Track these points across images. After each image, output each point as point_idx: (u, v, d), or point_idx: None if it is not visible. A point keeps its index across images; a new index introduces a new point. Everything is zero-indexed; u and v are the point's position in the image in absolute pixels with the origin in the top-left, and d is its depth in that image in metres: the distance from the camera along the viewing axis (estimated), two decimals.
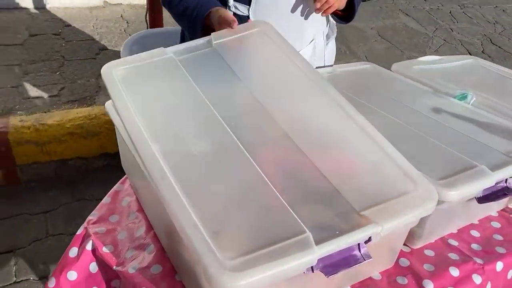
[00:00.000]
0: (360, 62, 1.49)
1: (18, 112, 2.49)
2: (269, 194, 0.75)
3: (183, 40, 1.58)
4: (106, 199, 1.03)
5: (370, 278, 0.84)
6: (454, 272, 0.86)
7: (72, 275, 0.90)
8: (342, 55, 3.71)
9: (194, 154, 0.81)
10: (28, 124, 2.35)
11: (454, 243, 0.95)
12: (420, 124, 1.08)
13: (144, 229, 0.92)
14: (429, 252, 0.92)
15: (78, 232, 0.94)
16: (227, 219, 0.70)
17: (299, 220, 0.71)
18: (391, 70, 1.42)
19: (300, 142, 0.85)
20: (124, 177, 1.08)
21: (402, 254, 0.90)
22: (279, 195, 0.74)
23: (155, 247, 0.87)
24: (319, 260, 0.67)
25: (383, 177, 0.81)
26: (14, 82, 2.77)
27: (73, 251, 0.92)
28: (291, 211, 0.72)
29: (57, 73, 2.93)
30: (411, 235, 0.91)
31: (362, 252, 0.72)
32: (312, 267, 0.67)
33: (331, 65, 1.52)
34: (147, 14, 2.62)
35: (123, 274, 0.83)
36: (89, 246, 0.90)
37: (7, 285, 1.84)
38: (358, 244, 0.72)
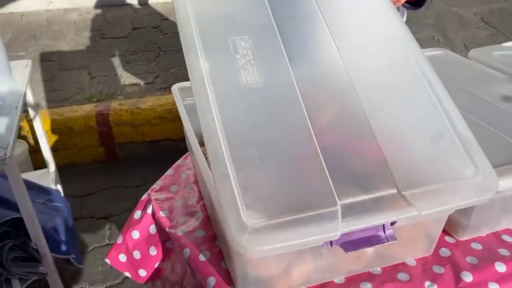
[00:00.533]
0: (432, 48, 1.42)
1: (118, 97, 2.82)
2: (311, 153, 0.70)
3: None
4: (169, 171, 1.15)
5: (403, 263, 0.84)
6: (500, 267, 0.82)
7: (135, 234, 1.04)
8: (434, 43, 3.48)
9: (244, 87, 0.75)
10: (126, 108, 2.65)
11: (509, 239, 0.89)
12: (483, 113, 1.02)
13: (196, 199, 1.02)
14: (476, 246, 0.87)
15: (143, 197, 1.08)
16: (260, 173, 0.67)
17: (334, 191, 0.68)
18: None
19: (364, 98, 0.77)
20: (187, 153, 1.20)
21: (444, 244, 0.87)
22: (321, 157, 0.69)
23: (202, 214, 0.96)
24: (340, 236, 0.69)
25: (442, 154, 0.74)
26: (117, 71, 3.13)
27: (137, 214, 1.06)
28: (329, 178, 0.68)
29: (153, 63, 3.23)
30: (456, 226, 0.88)
31: (386, 234, 0.73)
32: (331, 241, 0.70)
33: None
34: None
35: (173, 236, 0.94)
36: (149, 210, 1.03)
37: (101, 246, 2.13)
38: (383, 224, 0.72)
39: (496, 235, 0.90)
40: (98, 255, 2.07)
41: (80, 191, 2.47)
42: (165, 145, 2.77)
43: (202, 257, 0.85)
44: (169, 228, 0.97)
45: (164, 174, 1.15)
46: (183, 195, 1.06)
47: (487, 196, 0.71)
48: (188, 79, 0.84)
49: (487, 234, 0.90)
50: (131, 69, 3.14)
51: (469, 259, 0.84)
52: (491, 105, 1.05)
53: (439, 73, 1.28)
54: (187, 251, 0.88)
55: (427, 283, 0.79)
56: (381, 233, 0.73)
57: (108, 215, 2.32)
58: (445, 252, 0.86)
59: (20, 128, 2.49)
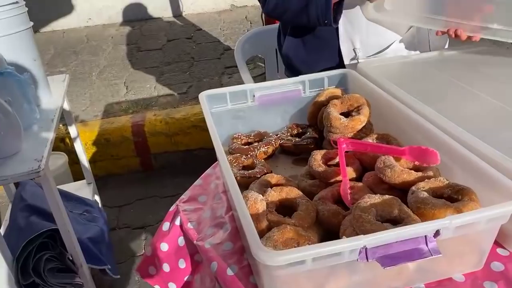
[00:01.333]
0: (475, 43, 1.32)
1: (153, 108, 2.85)
2: None
3: (279, 37, 1.63)
4: (198, 181, 1.13)
5: (450, 279, 0.76)
6: None
7: (164, 246, 1.02)
8: None
9: None
10: (160, 118, 2.68)
11: None
12: None
13: (224, 209, 0.99)
14: None
15: (171, 209, 1.06)
16: None
17: None
18: None
19: None
20: (216, 162, 1.16)
21: (497, 257, 0.79)
22: None
23: (230, 226, 0.92)
24: (374, 249, 0.64)
25: None
26: (152, 82, 3.18)
27: (165, 225, 1.03)
28: None
29: (187, 73, 3.26)
30: (510, 236, 0.79)
31: (429, 247, 0.66)
32: (366, 255, 0.64)
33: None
34: (262, 12, 2.72)
35: (201, 248, 0.90)
36: (177, 222, 1.00)
37: (137, 256, 2.14)
38: (425, 236, 0.66)
39: None
40: (134, 265, 2.08)
41: (117, 201, 2.51)
42: (199, 154, 2.77)
43: (229, 272, 0.81)
44: (196, 240, 0.94)
45: (193, 184, 1.12)
46: (212, 205, 1.03)
47: None
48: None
49: None
50: (165, 80, 3.19)
51: None
52: None
53: (481, 68, 1.20)
54: (214, 264, 0.84)
55: None
56: (423, 246, 0.66)
57: (144, 225, 2.34)
58: (497, 266, 0.77)
59: (60, 141, 2.57)
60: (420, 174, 0.82)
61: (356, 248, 0.62)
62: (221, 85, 3.05)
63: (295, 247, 0.73)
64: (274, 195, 0.84)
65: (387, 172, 0.83)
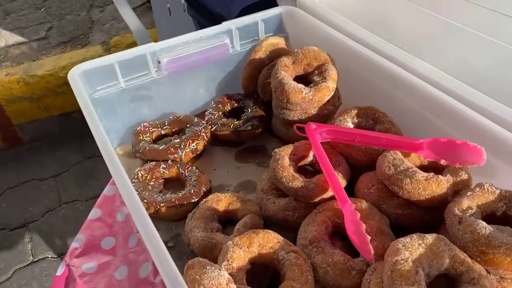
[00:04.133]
0: None
1: (4, 64, 2.14)
2: None
3: None
4: (94, 212, 0.72)
5: None
6: None
7: None
8: None
9: None
10: (16, 78, 2.02)
11: None
12: None
13: (150, 266, 0.62)
14: None
15: (58, 272, 0.65)
16: None
17: None
18: None
19: None
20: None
21: None
22: None
23: None
24: None
25: None
26: None
27: None
28: None
29: (42, 10, 2.50)
30: None
31: None
32: None
33: None
34: None
35: None
36: None
37: (25, 266, 1.66)
38: None
39: None
40: (22, 279, 1.61)
41: None
42: (80, 116, 2.21)
43: None
44: None
45: (87, 219, 0.71)
46: (127, 256, 0.65)
47: None
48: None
49: None
50: (13, 23, 2.41)
51: None
52: None
53: None
54: None
55: None
56: None
57: (25, 222, 1.81)
58: None
59: None
60: (451, 179, 0.54)
61: None
62: (92, 23, 2.41)
63: None
64: (241, 255, 0.50)
65: (405, 185, 0.54)
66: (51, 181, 1.98)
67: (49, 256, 1.68)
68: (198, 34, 0.79)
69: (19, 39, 2.31)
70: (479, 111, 0.59)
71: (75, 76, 0.69)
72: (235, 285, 0.46)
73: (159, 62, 0.76)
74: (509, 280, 0.48)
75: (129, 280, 0.62)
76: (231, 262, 0.49)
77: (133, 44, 2.32)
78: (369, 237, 0.48)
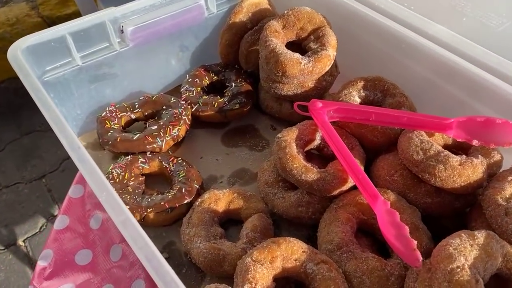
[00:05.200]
0: None
1: None
2: None
3: None
4: (61, 220, 0.60)
5: None
6: None
7: None
8: None
9: None
10: None
11: None
12: None
13: (143, 284, 0.52)
14: None
15: None
16: None
17: None
18: None
19: None
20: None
21: None
22: None
23: None
24: None
25: None
26: None
27: None
28: None
29: None
30: None
31: None
32: None
33: None
34: None
35: None
36: None
37: None
38: None
39: None
40: None
41: None
42: (10, 86, 1.95)
43: None
44: None
45: (52, 229, 0.59)
46: (111, 271, 0.54)
47: None
48: None
49: None
50: None
51: None
52: None
53: None
54: None
55: None
56: None
57: None
58: None
59: None
60: (484, 162, 0.49)
61: None
62: None
63: None
64: (264, 273, 0.42)
65: (438, 172, 0.47)
66: None
67: None
68: None
69: None
70: (504, 78, 0.53)
71: (17, 55, 0.53)
72: None
73: (122, 31, 0.62)
74: None
75: None
76: (255, 284, 0.41)
77: (65, 1, 2.04)
78: (415, 242, 0.42)
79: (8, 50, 0.54)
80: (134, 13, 0.62)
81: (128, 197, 0.54)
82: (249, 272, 0.41)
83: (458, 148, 0.53)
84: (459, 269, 0.39)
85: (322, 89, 0.65)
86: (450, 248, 0.40)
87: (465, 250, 0.40)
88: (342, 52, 0.66)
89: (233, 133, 0.68)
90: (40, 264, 0.56)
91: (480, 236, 0.42)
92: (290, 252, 0.44)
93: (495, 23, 0.63)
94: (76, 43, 0.58)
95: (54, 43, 0.56)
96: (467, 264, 0.39)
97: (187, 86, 0.69)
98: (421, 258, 0.41)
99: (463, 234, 0.42)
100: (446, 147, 0.53)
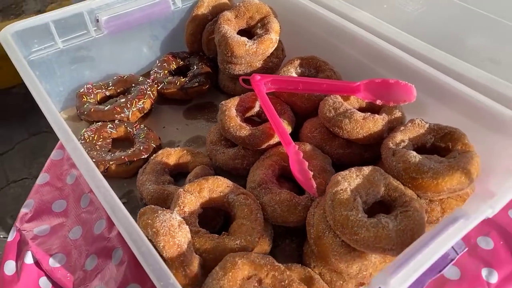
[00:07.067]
0: None
1: None
2: None
3: None
4: (42, 177, 0.71)
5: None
6: None
7: None
8: None
9: None
10: None
11: None
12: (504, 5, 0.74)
13: (104, 222, 0.62)
14: None
15: (9, 237, 0.64)
16: None
17: None
18: None
19: None
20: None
21: None
22: None
23: (124, 251, 0.58)
24: None
25: None
26: None
27: (9, 266, 0.63)
28: None
29: None
30: None
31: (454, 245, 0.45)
32: None
33: None
34: None
35: None
36: (28, 259, 0.61)
37: None
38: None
39: None
40: None
41: None
42: (21, 91, 2.10)
43: None
44: (73, 287, 0.58)
45: (35, 185, 0.70)
46: (80, 216, 0.65)
47: None
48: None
49: None
50: None
51: None
52: None
53: None
54: None
55: (484, 272, 0.56)
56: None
57: None
58: None
59: None
60: (386, 118, 0.58)
61: None
62: None
63: None
64: (192, 200, 0.52)
65: (344, 124, 0.57)
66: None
67: (1, 236, 1.62)
68: None
69: None
70: (410, 52, 0.62)
71: (7, 37, 0.65)
72: (187, 226, 0.48)
73: (97, 20, 0.73)
74: (436, 202, 0.53)
75: (84, 238, 0.62)
76: (183, 207, 0.51)
77: None
78: (311, 173, 0.51)
79: (0, 33, 0.66)
80: (108, 6, 0.74)
81: (95, 153, 0.65)
82: (179, 199, 0.51)
83: (372, 110, 0.62)
84: (341, 191, 0.48)
85: (269, 69, 0.75)
86: (339, 177, 0.50)
87: (350, 178, 0.50)
88: (288, 38, 0.77)
89: (194, 108, 0.79)
90: (23, 210, 0.66)
91: (366, 169, 0.51)
92: (216, 185, 0.54)
93: (411, 9, 0.73)
94: (57, 30, 0.70)
95: (39, 28, 0.68)
96: (350, 188, 0.49)
97: (156, 69, 0.81)
98: (315, 185, 0.50)
99: (352, 168, 0.51)
100: (361, 109, 0.62)
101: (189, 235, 0.47)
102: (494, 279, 0.56)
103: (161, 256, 0.44)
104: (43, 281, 0.63)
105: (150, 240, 0.46)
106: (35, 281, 0.62)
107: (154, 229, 0.45)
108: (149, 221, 0.46)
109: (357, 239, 0.45)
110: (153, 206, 0.49)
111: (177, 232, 0.45)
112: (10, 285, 0.62)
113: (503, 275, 0.56)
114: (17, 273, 0.63)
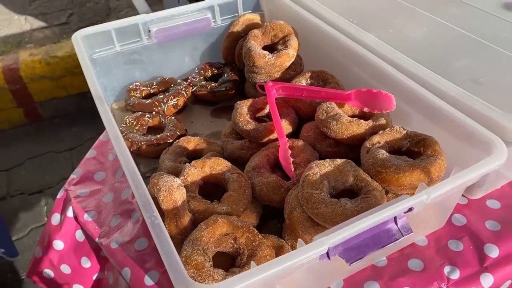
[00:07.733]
0: None
1: (28, 46, 2.34)
2: None
3: None
4: (91, 152, 0.87)
5: (412, 244, 0.65)
6: None
7: (58, 244, 0.78)
8: None
9: None
10: (39, 58, 2.20)
11: None
12: (492, 31, 0.80)
13: (130, 190, 0.76)
14: (493, 204, 0.70)
15: (59, 195, 0.80)
16: None
17: None
18: None
19: None
20: None
21: (456, 208, 0.69)
22: None
23: (140, 213, 0.71)
24: (336, 246, 0.48)
25: None
26: (20, 12, 2.59)
27: (55, 218, 0.79)
28: None
29: None
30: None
31: (399, 225, 0.52)
32: (328, 254, 0.48)
33: None
34: None
35: (106, 249, 0.69)
36: (70, 213, 0.77)
37: (40, 226, 1.84)
38: (395, 216, 0.51)
39: None
40: (37, 236, 1.79)
41: (4, 163, 2.10)
42: None
43: (148, 281, 0.62)
44: (99, 237, 0.72)
45: (84, 157, 0.86)
46: (114, 185, 0.80)
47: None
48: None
49: (502, 187, 0.73)
50: (37, 8, 2.61)
51: (489, 224, 0.67)
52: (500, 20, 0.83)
53: None
54: (127, 271, 0.64)
55: (446, 269, 0.61)
56: (391, 225, 0.52)
57: (41, 188, 2.00)
58: (459, 219, 0.68)
59: None
60: (371, 123, 0.67)
61: (318, 254, 0.46)
62: (110, 10, 2.58)
63: (232, 244, 0.55)
64: (195, 173, 0.64)
65: (332, 125, 0.66)
66: (66, 154, 2.16)
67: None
68: (184, 9, 0.93)
69: (43, 24, 2.50)
70: (400, 69, 0.71)
71: (77, 39, 0.83)
72: (185, 189, 0.59)
73: (149, 31, 0.90)
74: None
75: (113, 202, 0.76)
76: (187, 177, 0.63)
77: None
78: (292, 159, 0.61)
79: (72, 36, 0.84)
80: (159, 19, 0.90)
81: (131, 135, 0.79)
82: (185, 170, 0.64)
83: (363, 118, 0.71)
84: (312, 174, 0.57)
85: (286, 80, 0.86)
86: (313, 164, 0.59)
87: (323, 166, 0.59)
88: (304, 54, 0.88)
89: (220, 109, 0.92)
90: (72, 176, 0.82)
91: (339, 161, 0.60)
92: (217, 164, 0.65)
93: (414, 34, 0.81)
94: (117, 36, 0.87)
95: (102, 34, 0.86)
96: (320, 173, 0.58)
97: (194, 75, 0.95)
98: (293, 169, 0.60)
99: (328, 159, 0.60)
100: (353, 116, 0.71)
101: (184, 196, 0.59)
102: (455, 276, 0.61)
103: (160, 209, 0.57)
104: (79, 233, 0.78)
105: (155, 197, 0.58)
106: (72, 233, 0.78)
107: (157, 187, 0.58)
108: (155, 180, 0.59)
109: (317, 213, 0.54)
110: (163, 173, 0.62)
111: (175, 191, 0.57)
112: (55, 234, 0.78)
113: (464, 275, 0.61)
114: (60, 224, 0.78)
